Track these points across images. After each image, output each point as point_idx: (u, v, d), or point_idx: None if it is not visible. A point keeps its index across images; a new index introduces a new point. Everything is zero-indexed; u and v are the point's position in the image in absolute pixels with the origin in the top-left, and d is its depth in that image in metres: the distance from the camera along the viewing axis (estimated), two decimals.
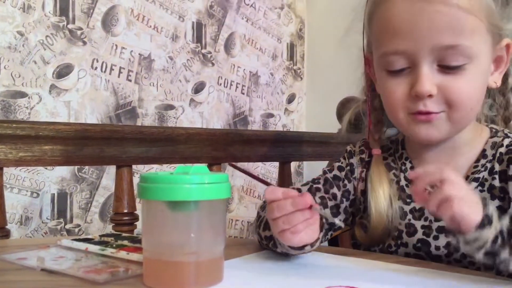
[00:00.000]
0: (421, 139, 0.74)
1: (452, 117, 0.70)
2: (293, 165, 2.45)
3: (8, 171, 1.70)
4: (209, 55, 2.31)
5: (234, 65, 2.42)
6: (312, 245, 0.67)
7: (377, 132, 0.85)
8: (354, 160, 0.87)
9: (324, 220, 0.72)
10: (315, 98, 2.71)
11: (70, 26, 1.87)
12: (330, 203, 0.84)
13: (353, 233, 0.87)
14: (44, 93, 1.81)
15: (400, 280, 0.60)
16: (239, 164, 0.77)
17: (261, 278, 0.62)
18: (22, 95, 1.75)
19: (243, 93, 2.46)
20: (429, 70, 0.68)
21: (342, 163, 0.88)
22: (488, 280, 0.59)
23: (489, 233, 0.55)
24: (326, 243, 1.34)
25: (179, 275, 0.56)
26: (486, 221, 0.55)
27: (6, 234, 0.99)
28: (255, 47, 2.51)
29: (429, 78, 0.68)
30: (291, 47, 2.69)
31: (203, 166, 0.59)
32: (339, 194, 0.85)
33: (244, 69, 2.46)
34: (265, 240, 0.73)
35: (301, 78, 2.74)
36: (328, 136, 1.51)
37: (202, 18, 2.28)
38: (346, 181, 0.86)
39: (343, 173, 0.87)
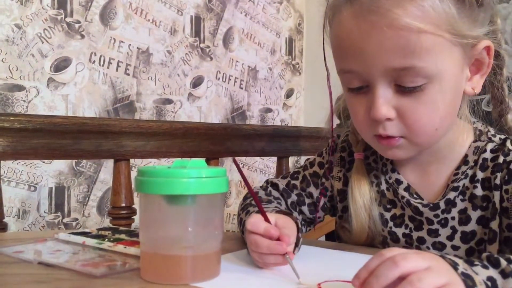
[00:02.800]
0: (390, 158, 0.73)
1: (414, 141, 0.66)
2: (291, 159, 2.45)
3: (5, 165, 1.70)
4: (207, 50, 2.30)
5: (232, 59, 2.41)
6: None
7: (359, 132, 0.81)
8: (334, 158, 0.85)
9: (300, 235, 0.71)
10: (313, 93, 2.71)
11: (68, 19, 1.86)
12: (307, 201, 0.84)
13: (337, 234, 0.87)
14: (41, 86, 1.80)
15: None
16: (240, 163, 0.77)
17: (257, 272, 0.62)
18: (20, 88, 1.75)
19: (242, 88, 2.46)
20: (385, 92, 0.63)
21: (323, 158, 0.87)
22: None
23: None
24: (323, 238, 1.34)
25: (176, 269, 0.56)
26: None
27: (3, 228, 0.99)
28: (254, 41, 2.50)
29: (385, 101, 0.63)
30: (290, 42, 2.69)
31: (200, 160, 0.59)
32: (316, 192, 0.84)
33: (243, 64, 2.46)
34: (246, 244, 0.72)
35: (300, 73, 2.74)
36: (326, 131, 1.51)
37: (200, 12, 2.28)
38: (324, 179, 0.84)
39: (322, 170, 0.85)
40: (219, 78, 2.36)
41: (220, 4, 2.36)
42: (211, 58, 2.32)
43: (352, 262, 0.66)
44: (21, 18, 1.75)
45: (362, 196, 0.77)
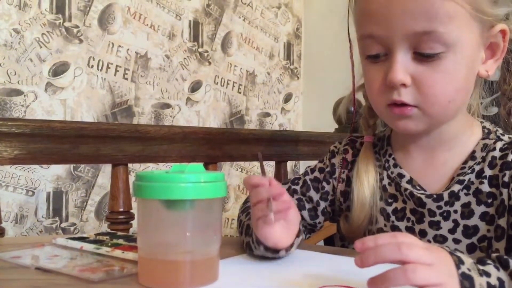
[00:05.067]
0: (400, 131, 0.73)
1: (428, 111, 0.67)
2: (289, 164, 2.45)
3: (3, 169, 1.70)
4: (206, 54, 2.31)
5: (231, 64, 2.41)
6: (286, 250, 0.68)
7: (371, 117, 0.83)
8: (336, 160, 0.85)
9: (301, 226, 0.73)
10: (311, 98, 2.71)
11: (67, 24, 1.86)
12: (307, 206, 0.84)
13: (337, 227, 0.87)
14: (40, 91, 1.80)
15: None
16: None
17: (256, 277, 0.62)
18: (18, 93, 1.75)
19: (240, 92, 2.46)
20: (403, 58, 0.65)
21: (324, 163, 0.87)
22: None
23: None
24: (322, 242, 1.34)
25: (174, 274, 0.56)
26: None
27: (1, 233, 0.99)
28: (252, 46, 2.51)
29: (403, 67, 0.65)
30: (288, 47, 2.69)
31: (199, 165, 0.59)
32: (316, 196, 0.84)
33: (241, 68, 2.46)
34: (245, 245, 0.73)
35: (298, 78, 2.74)
36: (325, 135, 1.51)
37: (199, 16, 2.28)
38: (324, 183, 0.85)
39: (323, 174, 0.86)
40: (217, 83, 2.36)
41: (219, 9, 2.36)
42: (210, 63, 2.32)
43: (350, 267, 0.66)
44: (20, 22, 1.75)
45: (367, 173, 0.77)
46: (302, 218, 0.84)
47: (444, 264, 0.47)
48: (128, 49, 2.03)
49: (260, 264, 0.67)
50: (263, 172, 0.69)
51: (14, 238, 1.59)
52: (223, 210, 2.31)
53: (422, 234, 0.73)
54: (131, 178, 0.84)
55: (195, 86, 2.27)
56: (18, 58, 1.75)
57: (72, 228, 1.88)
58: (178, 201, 0.55)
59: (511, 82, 0.75)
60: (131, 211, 1.15)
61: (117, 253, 0.69)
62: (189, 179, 0.55)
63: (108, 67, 1.97)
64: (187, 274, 0.56)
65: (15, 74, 1.74)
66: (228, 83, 2.40)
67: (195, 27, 2.27)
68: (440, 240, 0.72)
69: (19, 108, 1.75)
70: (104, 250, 0.70)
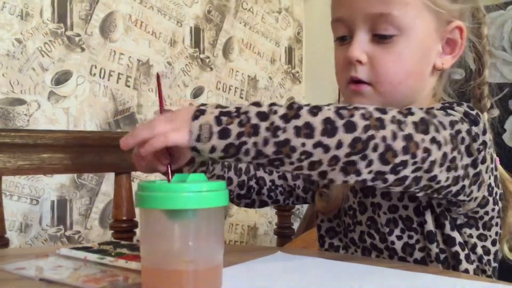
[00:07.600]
0: None
1: (380, 90, 0.72)
2: None
3: (7, 179, 1.70)
4: (207, 60, 2.31)
5: (232, 69, 2.42)
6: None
7: None
8: None
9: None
10: (313, 102, 2.70)
11: (68, 32, 1.87)
12: None
13: (316, 211, 0.90)
14: (42, 100, 1.81)
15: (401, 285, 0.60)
16: None
17: (259, 285, 0.62)
18: (21, 102, 1.76)
19: (242, 97, 2.46)
20: (362, 38, 0.71)
21: None
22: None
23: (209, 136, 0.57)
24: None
25: (177, 284, 0.56)
26: (201, 134, 0.57)
27: (5, 243, 0.99)
28: (253, 51, 2.51)
29: (360, 46, 0.71)
30: (289, 51, 2.69)
31: (200, 174, 0.59)
32: None
33: (243, 73, 2.46)
34: None
35: (300, 82, 2.74)
36: None
37: (200, 23, 2.29)
38: None
39: None
40: (219, 88, 2.37)
41: (219, 15, 2.37)
42: (211, 69, 2.33)
43: (354, 273, 0.66)
44: (22, 32, 1.76)
45: None
46: (285, 177, 0.89)
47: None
48: (130, 57, 2.04)
49: (263, 272, 0.67)
50: (160, 94, 0.69)
51: (18, 248, 1.59)
52: (227, 215, 2.31)
53: (378, 206, 0.75)
54: (135, 186, 0.84)
55: (197, 92, 2.28)
56: (20, 67, 1.75)
57: (76, 236, 1.88)
58: (181, 210, 0.55)
59: (481, 85, 0.79)
60: (135, 219, 1.16)
61: (121, 262, 0.69)
62: (191, 188, 0.55)
63: (110, 75, 1.98)
64: (190, 284, 0.56)
65: (18, 83, 1.75)
66: (230, 89, 2.41)
67: (196, 33, 2.28)
68: (393, 210, 0.74)
69: (23, 118, 1.75)
70: (107, 260, 0.71)
